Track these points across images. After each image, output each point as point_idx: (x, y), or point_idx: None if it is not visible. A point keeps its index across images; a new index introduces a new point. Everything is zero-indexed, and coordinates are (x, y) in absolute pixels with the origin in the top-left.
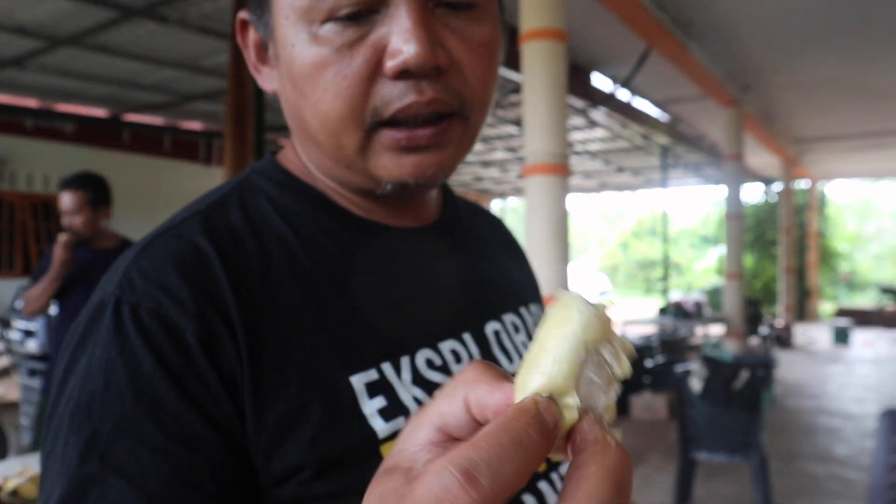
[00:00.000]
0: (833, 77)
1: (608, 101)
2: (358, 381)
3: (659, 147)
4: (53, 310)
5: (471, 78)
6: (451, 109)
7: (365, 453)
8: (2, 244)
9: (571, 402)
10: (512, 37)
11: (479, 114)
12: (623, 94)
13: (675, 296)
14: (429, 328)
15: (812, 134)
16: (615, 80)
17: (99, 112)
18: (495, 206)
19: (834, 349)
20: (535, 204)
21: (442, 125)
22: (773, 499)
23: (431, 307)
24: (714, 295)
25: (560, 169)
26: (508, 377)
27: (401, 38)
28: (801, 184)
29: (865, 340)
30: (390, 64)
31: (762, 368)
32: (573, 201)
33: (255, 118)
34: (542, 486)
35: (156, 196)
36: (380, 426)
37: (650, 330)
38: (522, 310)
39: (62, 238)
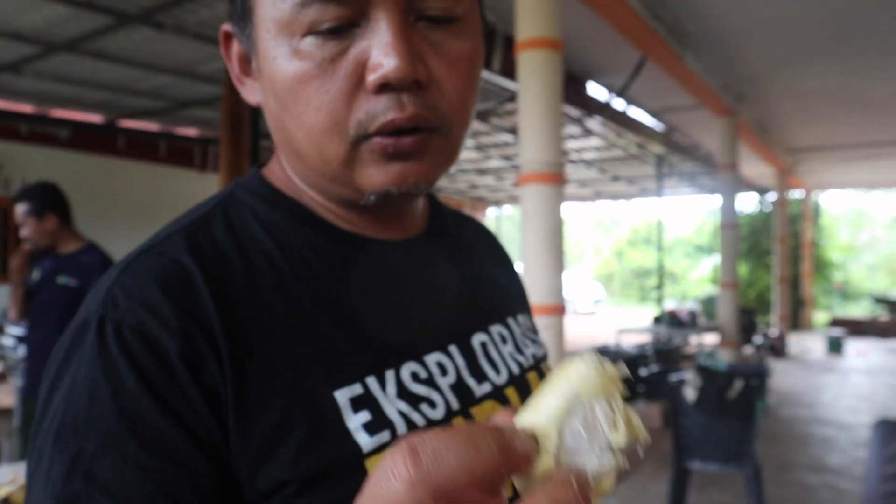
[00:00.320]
0: (827, 88)
1: (603, 110)
2: (342, 395)
3: (654, 156)
4: None
5: (450, 93)
6: (431, 125)
7: (350, 468)
8: None
9: (549, 444)
10: (508, 46)
11: (459, 128)
12: (618, 104)
13: (670, 305)
14: (414, 341)
15: (806, 144)
16: (610, 90)
17: (94, 118)
18: (490, 214)
19: (828, 359)
20: (530, 212)
21: (423, 135)
22: None
23: (417, 320)
24: (708, 304)
25: (555, 178)
26: None
27: (381, 52)
28: (796, 194)
29: (859, 350)
30: (371, 78)
31: (756, 378)
32: (568, 210)
33: (250, 125)
34: None
35: (151, 202)
36: (364, 441)
37: (644, 339)
38: (510, 320)
39: (22, 248)
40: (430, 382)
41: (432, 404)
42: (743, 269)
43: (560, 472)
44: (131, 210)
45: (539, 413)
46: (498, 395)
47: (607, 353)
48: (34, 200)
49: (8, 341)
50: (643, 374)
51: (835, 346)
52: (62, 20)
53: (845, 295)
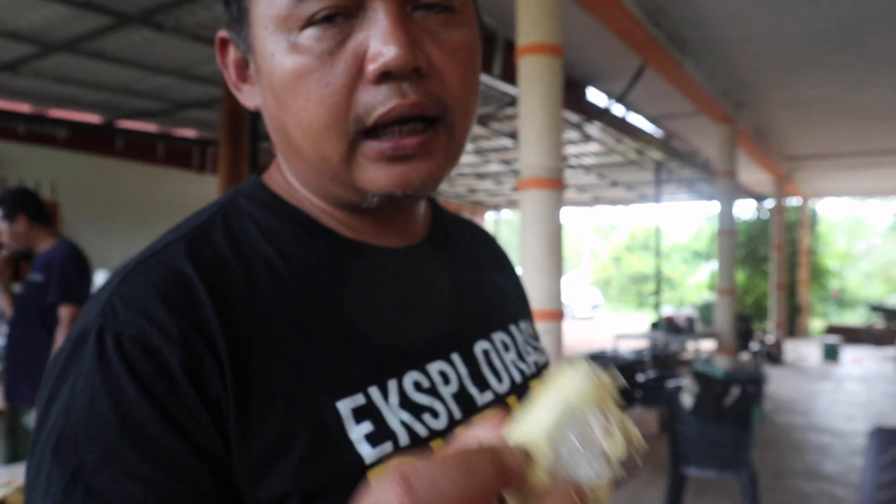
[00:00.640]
0: (825, 96)
1: (603, 115)
2: (344, 406)
3: (653, 162)
4: None
5: (451, 83)
6: (434, 114)
7: (352, 480)
8: None
9: (543, 457)
10: (508, 50)
11: (464, 122)
12: (618, 110)
13: (667, 311)
14: (416, 349)
15: (804, 152)
16: (610, 96)
17: (93, 118)
18: (489, 218)
19: (823, 366)
20: (529, 217)
21: (428, 134)
22: None
23: (419, 328)
24: (706, 310)
25: (554, 183)
26: None
27: (380, 41)
28: (793, 201)
29: (854, 358)
30: (371, 67)
31: (753, 385)
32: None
33: (249, 127)
34: None
35: (148, 203)
36: (367, 452)
37: (642, 344)
38: (512, 327)
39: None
40: (432, 391)
41: (435, 414)
42: (740, 276)
43: (558, 485)
44: (129, 211)
45: (532, 426)
46: (501, 403)
47: (604, 359)
48: (3, 205)
49: (2, 341)
50: (640, 380)
51: (831, 354)
52: (61, 20)
53: (841, 302)
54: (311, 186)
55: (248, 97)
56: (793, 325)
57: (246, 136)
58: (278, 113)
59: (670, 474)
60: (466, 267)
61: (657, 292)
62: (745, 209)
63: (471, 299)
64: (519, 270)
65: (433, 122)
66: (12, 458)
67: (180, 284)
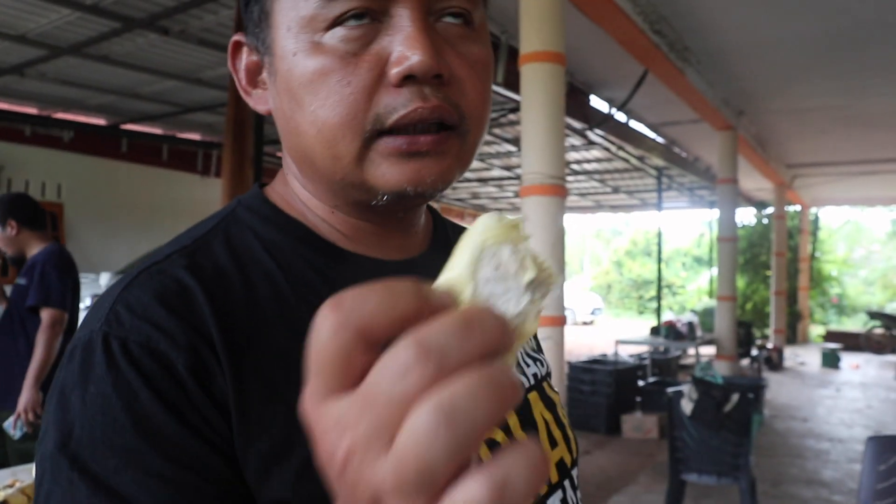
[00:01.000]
0: (825, 105)
1: (605, 122)
2: None
3: (654, 169)
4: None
5: (469, 93)
6: (452, 121)
7: None
8: None
9: (465, 295)
10: (512, 57)
11: (477, 130)
12: (620, 117)
13: (668, 316)
14: None
15: (804, 160)
16: (612, 103)
17: (98, 121)
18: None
19: (823, 372)
20: (531, 224)
21: (442, 135)
22: None
23: None
24: (706, 316)
25: (557, 190)
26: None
27: (405, 46)
28: (794, 208)
29: (854, 364)
30: (395, 70)
31: (752, 391)
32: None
33: (254, 130)
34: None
35: (153, 206)
36: None
37: (642, 349)
38: None
39: None
40: None
41: None
42: (741, 282)
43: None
44: (133, 213)
45: (451, 271)
46: None
47: (605, 363)
48: None
49: None
50: (641, 385)
51: (830, 360)
52: (68, 24)
53: (841, 309)
54: (319, 191)
55: (260, 101)
56: (793, 332)
57: (250, 140)
58: (292, 114)
59: (670, 480)
60: None
61: (658, 298)
62: (745, 216)
63: None
64: None
65: (448, 128)
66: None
67: (182, 293)
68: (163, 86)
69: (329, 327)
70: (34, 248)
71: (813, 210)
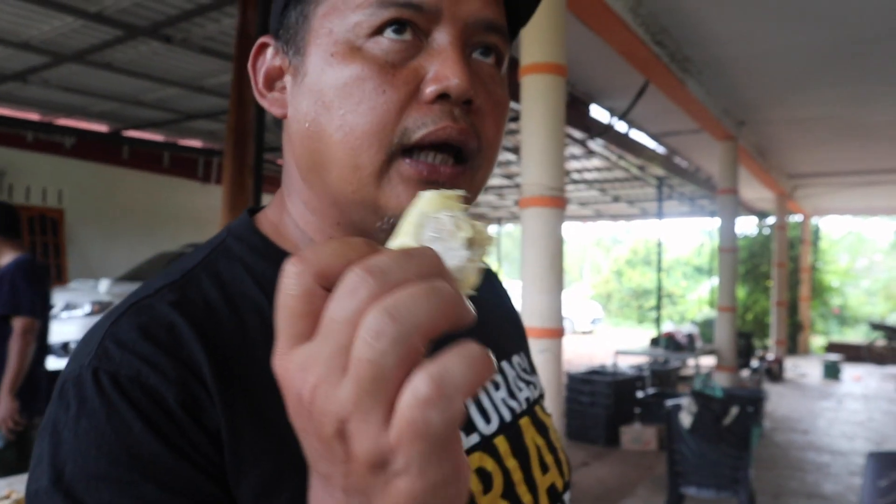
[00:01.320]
0: (826, 115)
1: (606, 132)
2: None
3: (655, 178)
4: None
5: (488, 129)
6: (473, 147)
7: None
8: None
9: None
10: (512, 67)
11: (488, 167)
12: (620, 126)
13: (668, 326)
14: None
15: (805, 170)
16: (613, 113)
17: (100, 127)
18: (491, 231)
19: (824, 384)
20: (530, 235)
21: (458, 169)
22: None
23: None
24: (706, 327)
25: (556, 202)
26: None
27: (444, 67)
28: (795, 218)
29: (855, 376)
30: (431, 88)
31: (752, 404)
32: (569, 229)
33: (255, 138)
34: None
35: (153, 212)
36: None
37: (642, 360)
38: (504, 364)
39: None
40: None
41: None
42: (741, 292)
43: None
44: (134, 219)
45: (397, 238)
46: (487, 445)
47: (604, 374)
48: None
49: None
50: (640, 397)
51: (831, 371)
52: (72, 31)
53: (843, 320)
54: (323, 207)
55: (275, 104)
56: (794, 343)
57: (251, 148)
58: (317, 117)
59: (669, 493)
60: None
61: (658, 307)
62: (746, 226)
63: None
64: (519, 287)
65: (463, 161)
66: None
67: (170, 330)
68: (165, 93)
69: (291, 277)
70: (6, 257)
71: (814, 220)
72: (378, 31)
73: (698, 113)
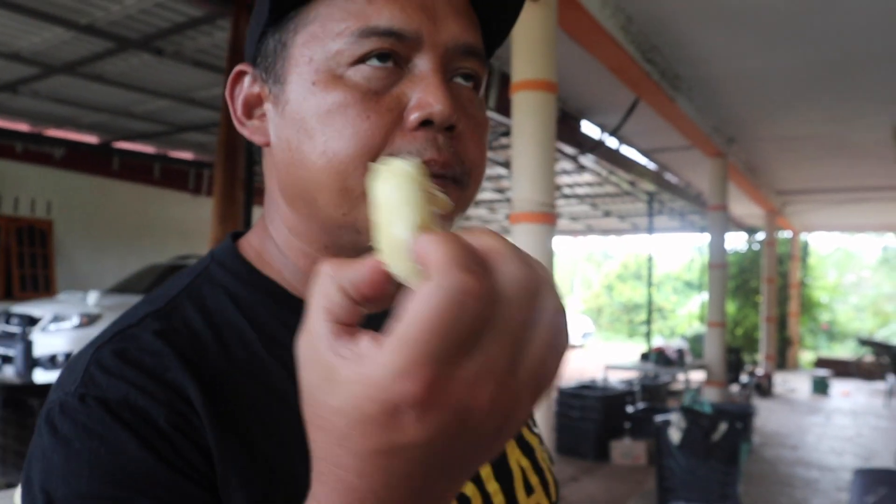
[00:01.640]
0: (815, 133)
1: (596, 147)
2: None
3: (645, 193)
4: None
5: (473, 152)
6: (456, 175)
7: None
8: None
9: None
10: (504, 83)
11: (475, 186)
12: (611, 142)
13: (658, 341)
14: None
15: (794, 187)
16: (604, 129)
17: (90, 139)
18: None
19: (813, 399)
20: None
21: (448, 184)
22: None
23: None
24: (696, 342)
25: (547, 218)
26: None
27: (427, 94)
28: (784, 234)
29: (843, 391)
30: (415, 115)
31: (741, 420)
32: (559, 244)
33: (245, 151)
34: None
35: (143, 224)
36: None
37: (632, 375)
38: None
39: None
40: None
41: None
42: (731, 308)
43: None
44: (123, 231)
45: (381, 228)
46: None
47: (594, 389)
48: None
49: None
50: (630, 412)
51: (820, 387)
52: (62, 43)
53: (831, 335)
54: (311, 231)
55: (257, 132)
56: (783, 358)
57: (241, 161)
58: (299, 144)
59: None
60: None
61: (649, 322)
62: (736, 241)
63: None
64: None
65: (449, 182)
66: None
67: (155, 356)
68: (156, 105)
69: (326, 278)
70: None
71: (803, 236)
72: (360, 59)
73: (688, 130)
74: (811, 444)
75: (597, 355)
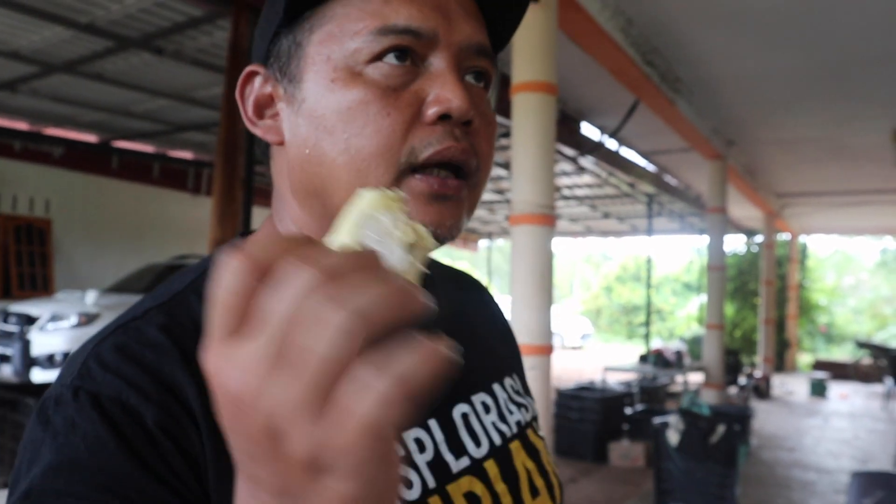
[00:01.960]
0: (814, 136)
1: (596, 149)
2: None
3: (644, 195)
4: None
5: (483, 147)
6: (472, 166)
7: None
8: None
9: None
10: (504, 84)
11: (483, 184)
12: (611, 144)
13: (657, 343)
14: None
15: (793, 189)
16: (604, 130)
17: (89, 137)
18: (482, 246)
19: (811, 401)
20: (520, 252)
21: (460, 182)
22: None
23: None
24: (694, 344)
25: (546, 219)
26: None
27: (445, 90)
28: (783, 236)
29: (841, 394)
30: (434, 109)
31: (739, 422)
32: (559, 245)
33: (245, 150)
34: None
35: (142, 223)
36: None
37: (630, 377)
38: (495, 386)
39: None
40: (406, 460)
41: (408, 484)
42: (729, 310)
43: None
44: (122, 230)
45: (336, 235)
46: (476, 469)
47: (593, 391)
48: None
49: None
50: (628, 413)
51: (818, 389)
52: (62, 42)
53: (829, 338)
54: (321, 233)
55: (270, 131)
56: (781, 360)
57: (241, 160)
58: (317, 142)
59: None
60: (451, 329)
61: (647, 323)
62: (735, 244)
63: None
64: (509, 303)
65: (463, 177)
66: None
67: (157, 352)
68: (155, 104)
69: (227, 271)
70: None
71: (802, 239)
72: (378, 57)
73: (688, 132)
74: (809, 447)
75: (595, 357)
